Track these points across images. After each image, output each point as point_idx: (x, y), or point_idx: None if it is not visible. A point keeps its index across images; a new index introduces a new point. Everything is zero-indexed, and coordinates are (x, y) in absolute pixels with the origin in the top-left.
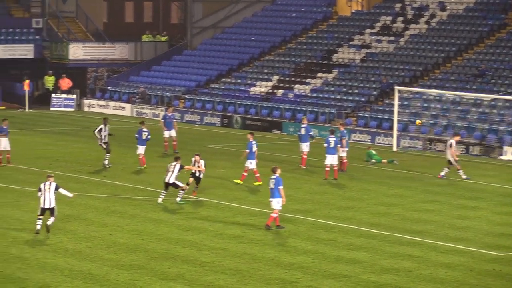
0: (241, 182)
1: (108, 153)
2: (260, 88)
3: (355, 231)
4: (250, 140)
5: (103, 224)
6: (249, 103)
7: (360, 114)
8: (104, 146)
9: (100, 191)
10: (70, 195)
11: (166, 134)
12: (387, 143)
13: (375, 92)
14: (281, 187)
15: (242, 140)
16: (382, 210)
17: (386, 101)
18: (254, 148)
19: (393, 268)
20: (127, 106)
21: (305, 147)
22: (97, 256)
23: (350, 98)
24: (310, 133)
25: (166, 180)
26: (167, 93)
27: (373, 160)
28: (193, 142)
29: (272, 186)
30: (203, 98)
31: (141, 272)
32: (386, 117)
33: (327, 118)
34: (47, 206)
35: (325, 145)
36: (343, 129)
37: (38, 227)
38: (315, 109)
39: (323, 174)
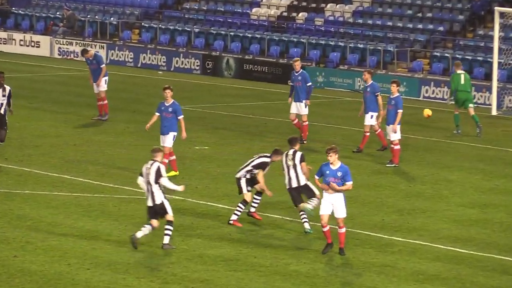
0: (176, 173)
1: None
2: (268, 9)
3: (428, 250)
4: (171, 101)
5: None
6: (249, 35)
7: (436, 54)
8: None
9: None
10: (179, 188)
11: (95, 89)
12: (481, 102)
13: (461, 17)
14: (316, 177)
15: (237, 97)
16: (473, 215)
17: (480, 32)
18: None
19: None
20: (44, 40)
21: (298, 108)
22: None
23: (419, 26)
24: (308, 84)
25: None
26: (111, 19)
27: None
28: (152, 100)
29: None
30: (171, 27)
31: None
32: (480, 58)
33: (381, 60)
34: (149, 203)
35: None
36: (372, 81)
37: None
38: (360, 45)
39: (372, 155)
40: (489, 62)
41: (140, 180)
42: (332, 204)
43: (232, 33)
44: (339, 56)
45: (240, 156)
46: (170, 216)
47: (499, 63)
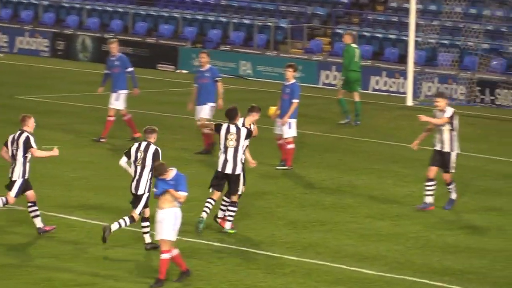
0: None
1: None
2: None
3: (328, 271)
4: None
5: None
6: (109, 9)
7: (339, 31)
8: None
9: None
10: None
11: None
12: (394, 90)
13: None
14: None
15: (96, 85)
16: (383, 229)
17: (393, 4)
18: None
19: None
20: None
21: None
22: None
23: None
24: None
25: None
26: None
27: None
28: None
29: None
30: (14, 0)
31: None
32: (392, 36)
33: (271, 39)
34: (133, 190)
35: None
36: (210, 65)
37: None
38: (246, 21)
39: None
40: (404, 41)
41: (123, 162)
42: (160, 222)
43: (88, 7)
44: (220, 34)
45: (101, 158)
46: (147, 212)
47: (416, 42)
